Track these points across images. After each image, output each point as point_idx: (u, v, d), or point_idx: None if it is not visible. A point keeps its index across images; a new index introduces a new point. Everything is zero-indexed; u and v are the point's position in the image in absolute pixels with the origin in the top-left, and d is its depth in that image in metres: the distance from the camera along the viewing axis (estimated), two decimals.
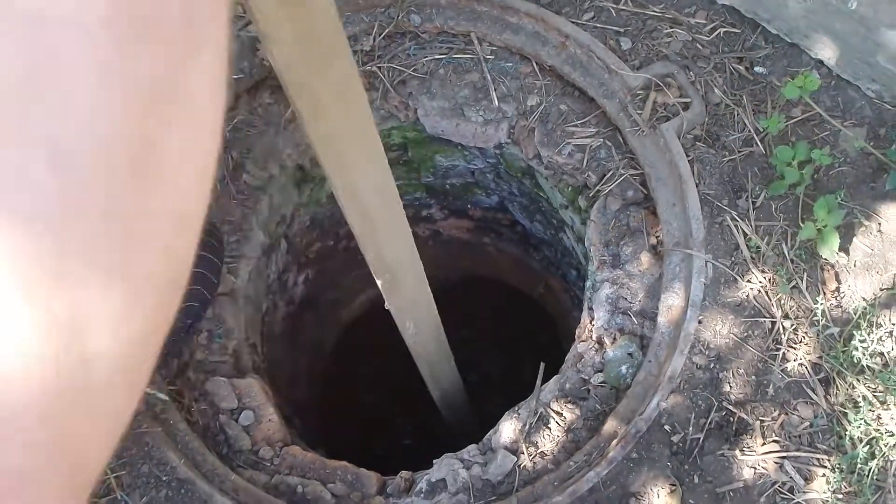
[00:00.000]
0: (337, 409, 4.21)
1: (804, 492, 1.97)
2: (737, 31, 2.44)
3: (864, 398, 2.02)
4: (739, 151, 2.29)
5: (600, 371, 2.20)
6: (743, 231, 2.20)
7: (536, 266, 3.72)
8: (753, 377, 2.09)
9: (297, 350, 3.53)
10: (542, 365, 2.29)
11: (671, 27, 2.44)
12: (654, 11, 2.47)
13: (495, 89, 2.48)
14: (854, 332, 2.08)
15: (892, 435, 1.99)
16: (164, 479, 2.10)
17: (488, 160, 2.77)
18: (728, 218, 2.22)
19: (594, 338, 2.27)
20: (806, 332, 2.11)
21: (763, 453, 2.01)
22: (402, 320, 2.19)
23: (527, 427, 2.16)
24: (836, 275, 2.16)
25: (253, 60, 2.48)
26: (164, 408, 2.19)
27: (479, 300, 4.55)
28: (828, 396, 2.06)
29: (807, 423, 2.04)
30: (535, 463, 2.11)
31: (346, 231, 3.35)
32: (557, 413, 2.16)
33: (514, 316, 4.55)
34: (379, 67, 2.51)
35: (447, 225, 3.64)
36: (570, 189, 2.52)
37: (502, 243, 3.74)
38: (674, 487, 1.99)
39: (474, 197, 3.24)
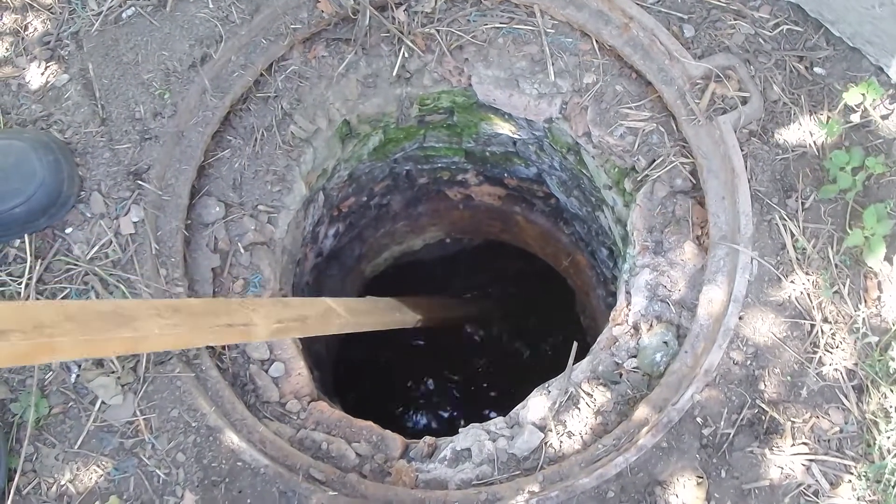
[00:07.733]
0: (354, 363, 4.24)
1: (829, 496, 1.99)
2: (799, 29, 2.42)
3: None
4: (793, 151, 2.28)
5: (634, 356, 2.21)
6: (791, 231, 2.19)
7: (565, 240, 3.71)
8: (788, 377, 2.09)
9: None
10: (575, 344, 2.29)
11: (735, 19, 2.42)
12: (718, 1, 2.44)
13: (553, 64, 2.46)
14: (892, 342, 2.08)
15: None
16: (193, 424, 2.12)
17: (534, 132, 2.76)
18: (777, 217, 2.21)
19: (630, 322, 2.27)
20: (844, 338, 2.12)
21: (792, 454, 2.02)
22: None
23: (556, 405, 2.16)
24: (879, 284, 2.16)
25: (312, 11, 2.46)
26: (198, 353, 2.20)
27: (500, 266, 4.56)
28: (860, 404, 2.07)
29: (837, 429, 2.05)
30: (561, 442, 2.12)
31: (381, 188, 3.35)
32: (588, 394, 2.17)
33: (533, 286, 4.55)
34: (437, 30, 2.49)
35: (480, 191, 3.63)
36: (616, 170, 2.51)
37: (533, 214, 3.74)
38: (700, 480, 2.00)
39: (513, 166, 3.23)
